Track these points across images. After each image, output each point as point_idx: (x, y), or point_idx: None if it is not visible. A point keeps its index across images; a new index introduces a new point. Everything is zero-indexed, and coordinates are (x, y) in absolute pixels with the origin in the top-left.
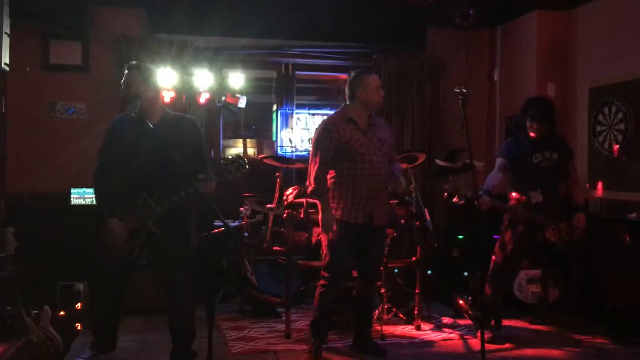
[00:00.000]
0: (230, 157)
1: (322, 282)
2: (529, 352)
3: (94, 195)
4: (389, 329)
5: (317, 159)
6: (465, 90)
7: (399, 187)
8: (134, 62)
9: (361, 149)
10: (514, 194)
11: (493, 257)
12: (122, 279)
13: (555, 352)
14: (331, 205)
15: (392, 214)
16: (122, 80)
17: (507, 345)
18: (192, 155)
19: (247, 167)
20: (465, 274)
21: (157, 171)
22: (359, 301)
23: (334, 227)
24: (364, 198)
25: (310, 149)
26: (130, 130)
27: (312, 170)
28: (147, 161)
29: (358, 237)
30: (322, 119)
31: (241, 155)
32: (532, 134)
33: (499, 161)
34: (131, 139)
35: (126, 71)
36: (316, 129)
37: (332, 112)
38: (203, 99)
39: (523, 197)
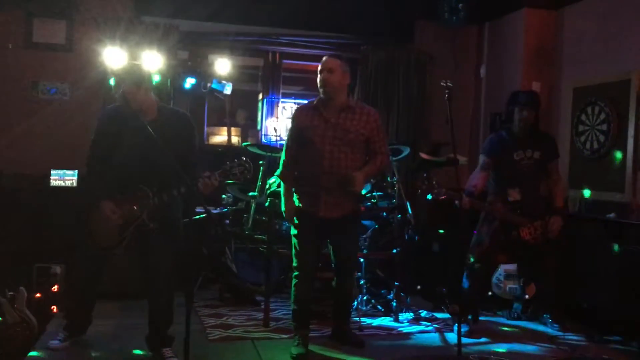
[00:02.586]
0: (235, 160)
1: (294, 273)
2: (504, 346)
3: (87, 179)
4: (367, 320)
5: (285, 145)
6: (451, 84)
7: (350, 185)
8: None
9: (316, 137)
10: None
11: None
12: (101, 262)
13: (530, 348)
14: (295, 193)
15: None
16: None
17: (483, 339)
18: (185, 151)
19: (251, 172)
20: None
21: (152, 167)
22: (336, 293)
23: (294, 218)
24: (318, 187)
25: None
26: (125, 124)
27: (282, 155)
28: (143, 157)
29: (322, 228)
30: None
31: (246, 159)
32: (519, 126)
33: (481, 159)
34: (126, 133)
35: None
36: None
37: None
38: (188, 84)
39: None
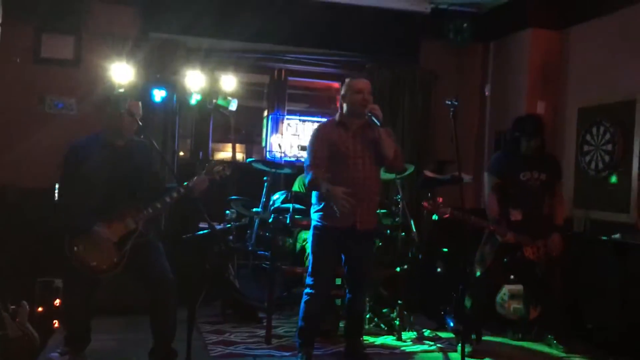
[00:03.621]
0: (217, 160)
1: (307, 290)
2: None
3: (63, 215)
4: (370, 339)
5: (310, 161)
6: (456, 103)
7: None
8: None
9: (347, 151)
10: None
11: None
12: (92, 288)
13: None
14: (316, 209)
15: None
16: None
17: (486, 359)
18: (156, 172)
19: (230, 170)
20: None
21: (131, 189)
22: (349, 311)
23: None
24: (355, 200)
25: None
26: (98, 153)
27: (307, 173)
28: (121, 180)
29: (342, 243)
30: (313, 126)
31: (226, 162)
32: (525, 151)
33: (491, 180)
34: (100, 161)
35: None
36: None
37: (323, 119)
38: (194, 99)
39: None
